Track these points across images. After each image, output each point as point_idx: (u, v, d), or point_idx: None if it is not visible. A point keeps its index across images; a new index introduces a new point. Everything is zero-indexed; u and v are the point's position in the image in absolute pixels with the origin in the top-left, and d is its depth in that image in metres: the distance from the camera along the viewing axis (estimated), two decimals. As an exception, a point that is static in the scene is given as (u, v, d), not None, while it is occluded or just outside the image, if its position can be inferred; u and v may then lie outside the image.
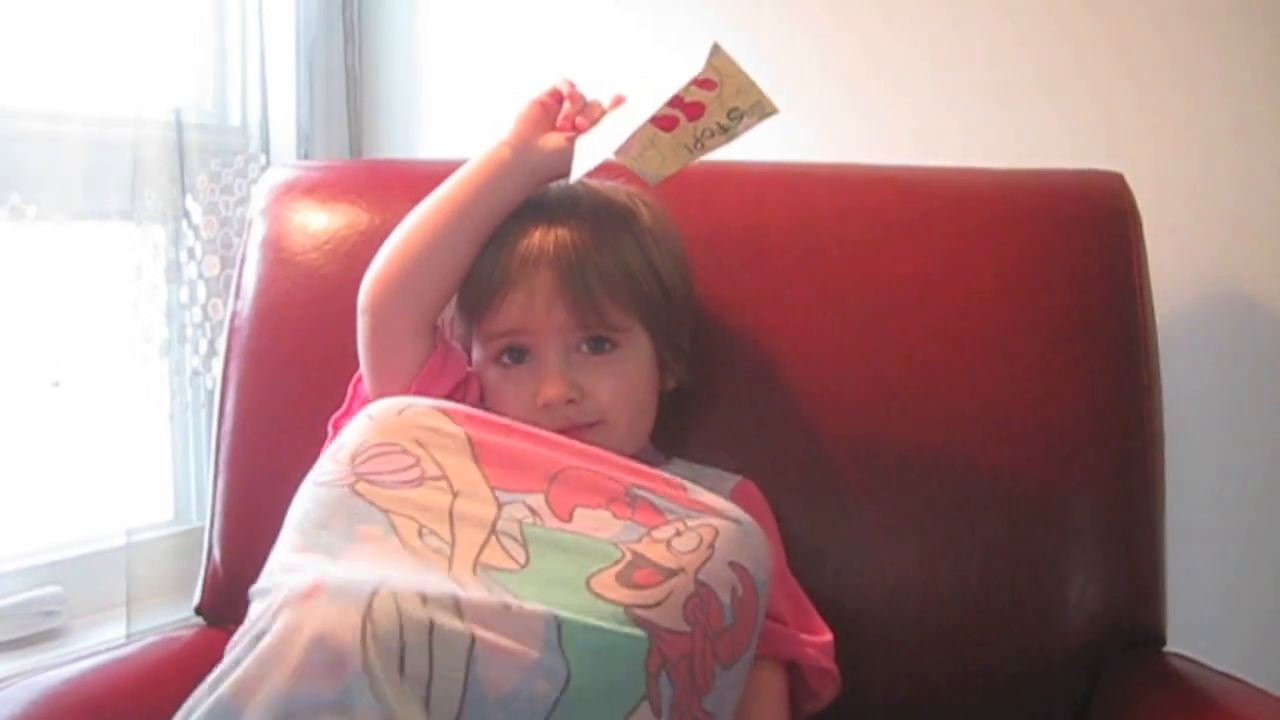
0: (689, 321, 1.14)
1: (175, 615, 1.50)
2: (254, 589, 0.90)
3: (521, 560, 0.87)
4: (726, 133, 0.99)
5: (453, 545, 0.88)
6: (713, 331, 1.19)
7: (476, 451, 0.94)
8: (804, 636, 1.04)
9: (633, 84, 1.07)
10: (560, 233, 1.05)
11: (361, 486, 0.92)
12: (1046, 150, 1.43)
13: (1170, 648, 1.17)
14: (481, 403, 1.08)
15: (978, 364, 1.18)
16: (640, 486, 0.94)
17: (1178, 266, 1.36)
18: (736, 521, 0.94)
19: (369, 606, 0.80)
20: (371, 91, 1.90)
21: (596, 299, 1.05)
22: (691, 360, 1.14)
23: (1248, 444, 1.43)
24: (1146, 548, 1.17)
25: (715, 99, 0.96)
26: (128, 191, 1.56)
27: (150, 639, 1.22)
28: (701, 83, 0.94)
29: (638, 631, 0.84)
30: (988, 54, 1.51)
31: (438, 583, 0.84)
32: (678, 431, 1.16)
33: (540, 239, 1.05)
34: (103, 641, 1.50)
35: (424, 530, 0.89)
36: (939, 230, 1.23)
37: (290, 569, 0.88)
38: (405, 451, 0.94)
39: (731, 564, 0.92)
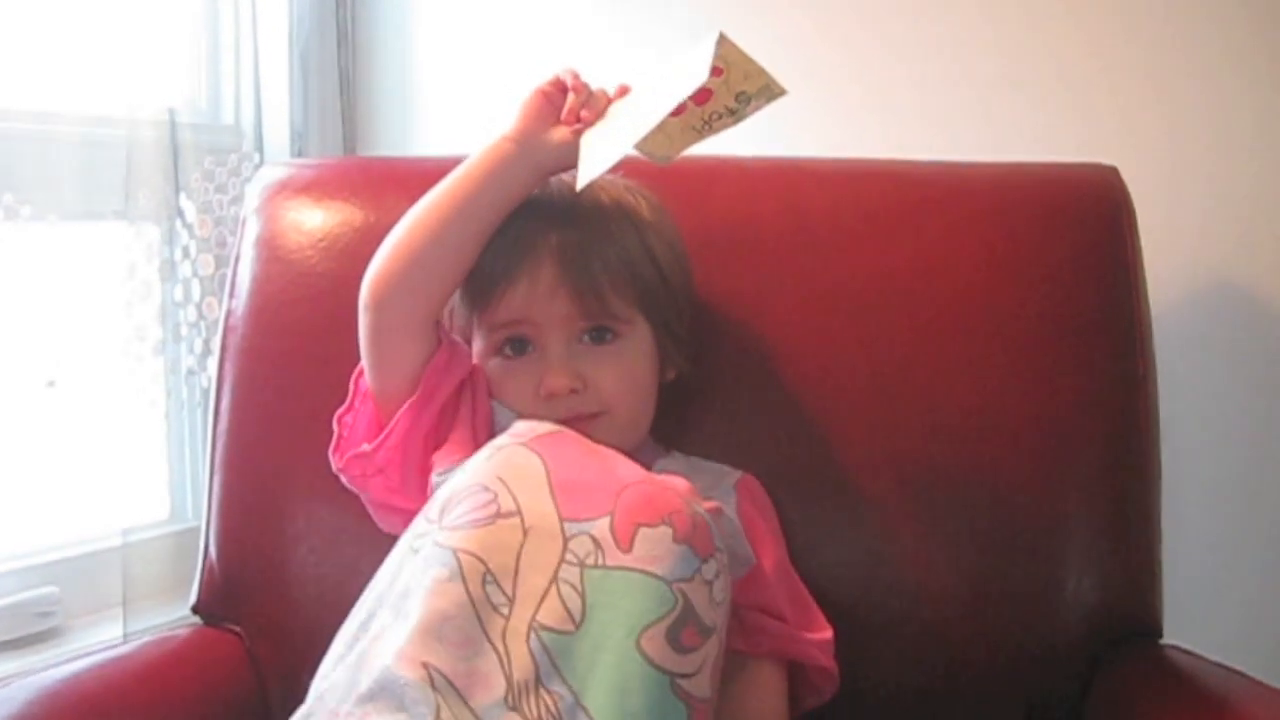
0: (688, 312, 1.14)
1: (172, 615, 1.50)
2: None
3: (578, 617, 0.86)
4: (735, 115, 0.98)
5: (512, 603, 0.87)
6: (707, 325, 1.19)
7: (551, 478, 0.93)
8: (805, 635, 1.04)
9: (632, 77, 1.06)
10: (562, 224, 1.06)
11: (440, 535, 0.91)
12: (1041, 143, 1.43)
13: (1165, 639, 1.17)
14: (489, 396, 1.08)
15: (972, 356, 1.18)
16: (687, 497, 0.93)
17: (1172, 259, 1.36)
18: (732, 555, 0.95)
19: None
20: (365, 90, 1.90)
21: (599, 288, 1.05)
22: (692, 351, 1.14)
23: (1243, 435, 1.43)
24: (1142, 540, 1.18)
25: (722, 84, 0.95)
26: (122, 191, 1.56)
27: (147, 638, 1.22)
28: (711, 73, 0.93)
29: (679, 705, 0.85)
30: (985, 47, 1.51)
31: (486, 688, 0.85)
32: (673, 425, 1.15)
33: (542, 230, 1.05)
34: (99, 641, 1.50)
35: (488, 577, 0.88)
36: (933, 223, 1.23)
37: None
38: (486, 488, 0.93)
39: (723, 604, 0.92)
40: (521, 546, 0.89)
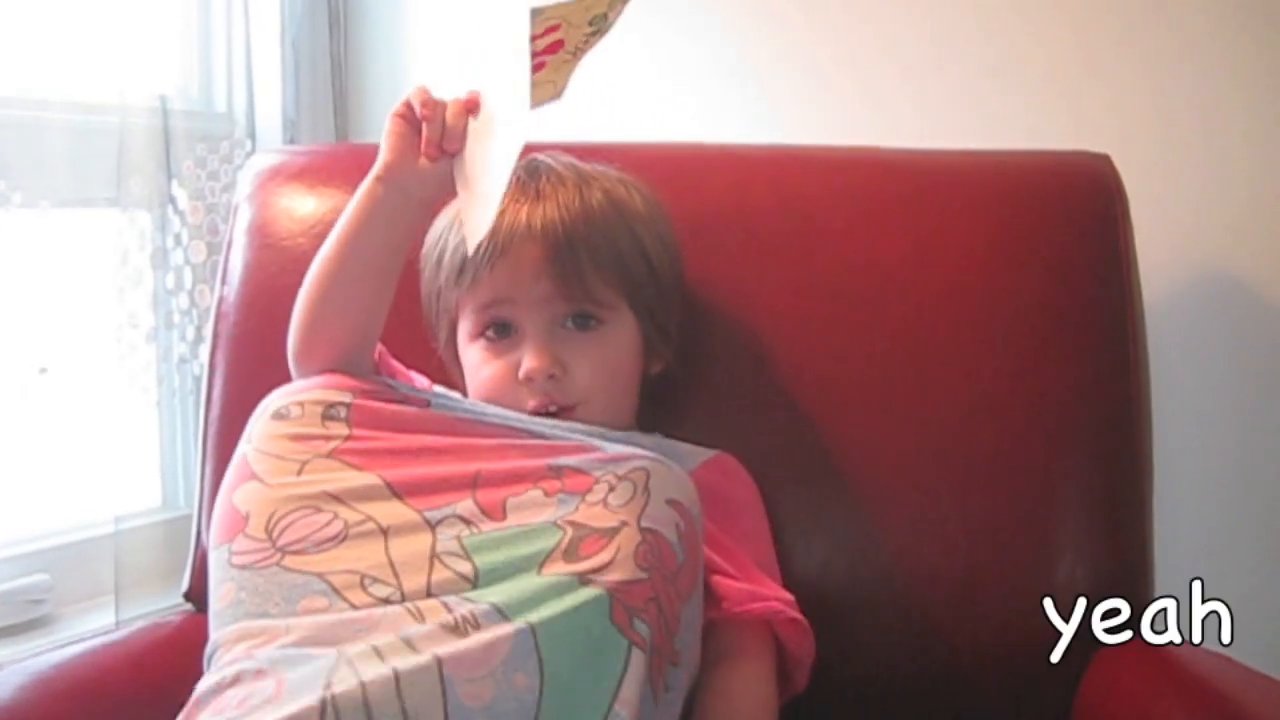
0: (677, 307, 1.14)
1: (163, 602, 1.50)
2: (203, 689, 0.87)
3: (470, 575, 0.88)
4: (600, 33, 0.95)
5: (400, 587, 0.88)
6: (700, 313, 1.19)
7: (394, 488, 0.94)
8: (766, 589, 1.03)
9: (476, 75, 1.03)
10: (549, 208, 1.06)
11: (289, 560, 0.90)
12: (1031, 132, 1.43)
13: (1157, 627, 1.17)
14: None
15: (964, 345, 1.18)
16: (558, 458, 0.95)
17: (1163, 248, 1.36)
18: (660, 462, 0.96)
19: (328, 688, 0.79)
20: (357, 77, 1.89)
21: (583, 273, 1.05)
22: (680, 347, 1.14)
23: (1234, 423, 1.43)
24: (1134, 533, 1.18)
25: (569, 27, 0.92)
26: (114, 178, 1.56)
27: (139, 624, 1.22)
28: (545, 34, 0.91)
29: (594, 590, 0.86)
30: (974, 36, 1.51)
31: (389, 628, 0.84)
32: (665, 412, 1.15)
33: (529, 213, 1.05)
34: (91, 629, 1.50)
35: (366, 580, 0.88)
36: (925, 211, 1.23)
37: (236, 663, 0.86)
38: (319, 510, 0.92)
39: (669, 501, 0.93)
40: (387, 546, 0.90)
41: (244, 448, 1.01)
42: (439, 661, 0.81)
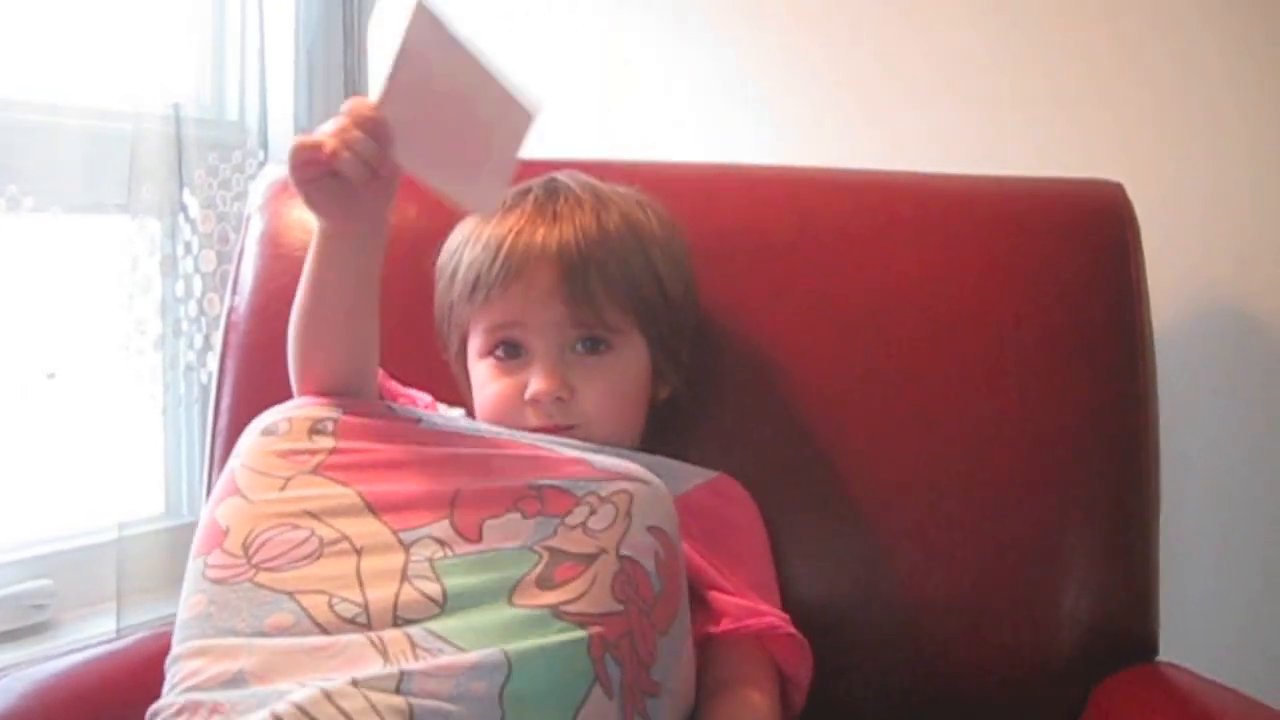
0: (689, 333, 1.14)
1: (165, 610, 1.48)
2: (156, 707, 0.88)
3: (439, 599, 0.87)
4: None
5: (366, 607, 0.87)
6: (710, 334, 1.19)
7: (371, 505, 0.93)
8: (763, 606, 1.03)
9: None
10: (565, 229, 1.06)
11: (262, 577, 0.90)
12: (1039, 160, 1.43)
13: (1161, 657, 1.17)
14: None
15: (974, 370, 1.18)
16: (542, 477, 0.93)
17: (1176, 275, 1.36)
18: (646, 483, 0.94)
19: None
20: (370, 89, 1.89)
21: (596, 298, 1.05)
22: (690, 373, 1.14)
23: (1241, 450, 1.43)
24: (1141, 559, 1.17)
25: None
26: (125, 185, 1.56)
27: (141, 634, 1.21)
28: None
29: (569, 625, 0.85)
30: (983, 64, 1.52)
31: (349, 662, 0.83)
32: (672, 434, 1.15)
33: (545, 235, 1.05)
34: (92, 636, 1.50)
35: (334, 600, 0.87)
36: (937, 235, 1.23)
37: (193, 689, 0.86)
38: (296, 527, 0.92)
39: (651, 529, 0.92)
40: (358, 565, 0.89)
41: (233, 463, 1.00)
42: (401, 675, 0.81)
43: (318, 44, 1.83)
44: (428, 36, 0.89)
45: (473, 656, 0.82)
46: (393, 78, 0.89)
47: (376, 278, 1.02)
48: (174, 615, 1.28)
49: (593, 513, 0.91)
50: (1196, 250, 1.43)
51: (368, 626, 0.86)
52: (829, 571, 1.16)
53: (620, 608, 0.87)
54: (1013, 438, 1.17)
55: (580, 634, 0.85)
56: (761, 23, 1.63)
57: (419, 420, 1.03)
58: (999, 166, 1.30)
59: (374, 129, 0.89)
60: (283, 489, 0.95)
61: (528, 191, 1.10)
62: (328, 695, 0.78)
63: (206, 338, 1.64)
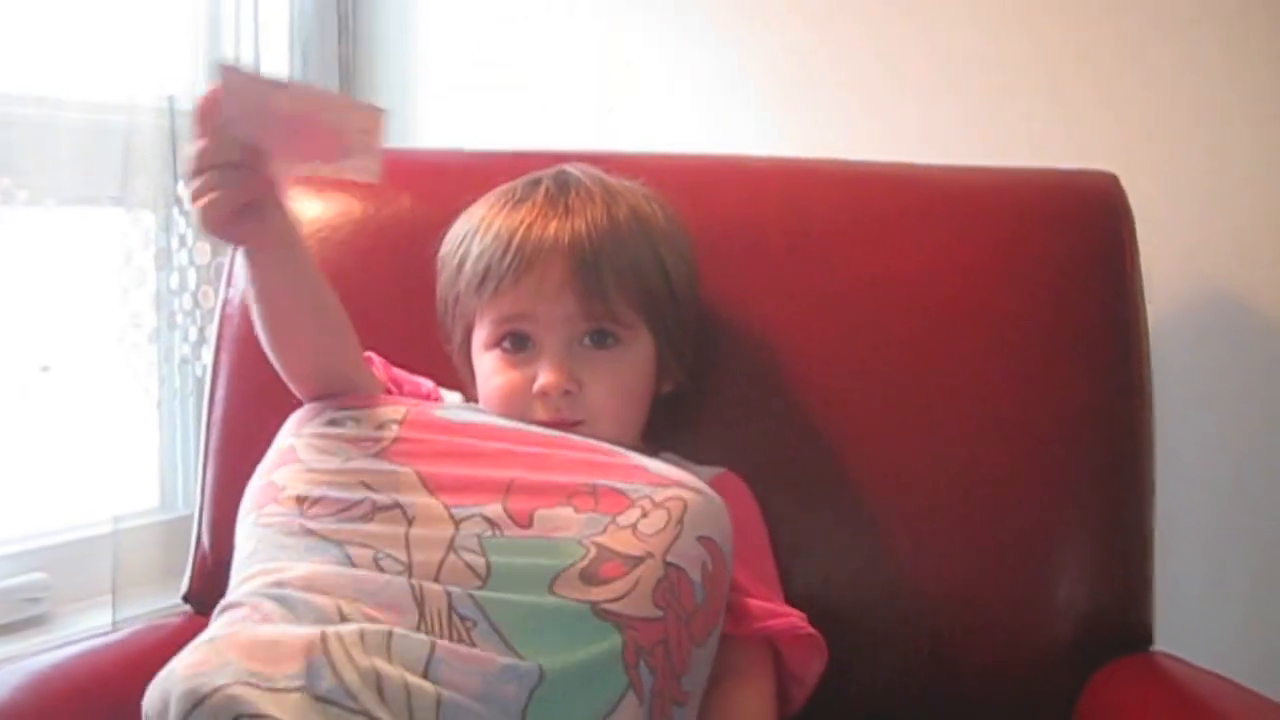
0: (693, 327, 1.14)
1: (160, 603, 1.50)
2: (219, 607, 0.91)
3: (483, 572, 0.88)
4: None
5: (410, 567, 0.88)
6: (708, 327, 1.18)
7: (428, 482, 0.94)
8: (783, 606, 1.03)
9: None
10: (577, 224, 1.05)
11: (314, 525, 0.92)
12: (1035, 152, 1.44)
13: (1156, 646, 1.17)
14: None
15: (971, 362, 1.18)
16: (599, 477, 0.94)
17: (1167, 268, 1.36)
18: (701, 493, 0.95)
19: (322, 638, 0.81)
20: (365, 84, 1.89)
21: (606, 292, 1.05)
22: (691, 366, 1.14)
23: (1236, 442, 1.44)
24: (1136, 549, 1.18)
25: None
26: (119, 177, 1.55)
27: (137, 626, 1.22)
28: None
29: (605, 625, 0.85)
30: (980, 56, 1.52)
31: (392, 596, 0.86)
32: (671, 427, 1.15)
33: (556, 228, 1.05)
34: (88, 628, 1.50)
35: (379, 555, 0.89)
36: (932, 227, 1.23)
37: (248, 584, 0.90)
38: (352, 490, 0.94)
39: (701, 538, 0.92)
40: (408, 532, 0.90)
41: (290, 440, 1.01)
42: (433, 646, 0.83)
43: (313, 39, 1.83)
44: (240, 79, 0.90)
45: (507, 659, 0.83)
46: (224, 114, 0.89)
47: (314, 269, 1.02)
48: (169, 608, 1.29)
49: (644, 516, 0.91)
50: (1192, 242, 1.43)
51: (409, 576, 0.88)
52: (823, 563, 1.16)
53: (659, 614, 0.87)
54: (1008, 429, 1.17)
55: (616, 640, 0.85)
56: (763, 21, 1.63)
57: (483, 421, 1.04)
58: (996, 159, 1.30)
59: (217, 156, 0.89)
60: (345, 463, 0.97)
61: (538, 183, 1.10)
62: (362, 637, 0.81)
63: (201, 330, 1.64)
